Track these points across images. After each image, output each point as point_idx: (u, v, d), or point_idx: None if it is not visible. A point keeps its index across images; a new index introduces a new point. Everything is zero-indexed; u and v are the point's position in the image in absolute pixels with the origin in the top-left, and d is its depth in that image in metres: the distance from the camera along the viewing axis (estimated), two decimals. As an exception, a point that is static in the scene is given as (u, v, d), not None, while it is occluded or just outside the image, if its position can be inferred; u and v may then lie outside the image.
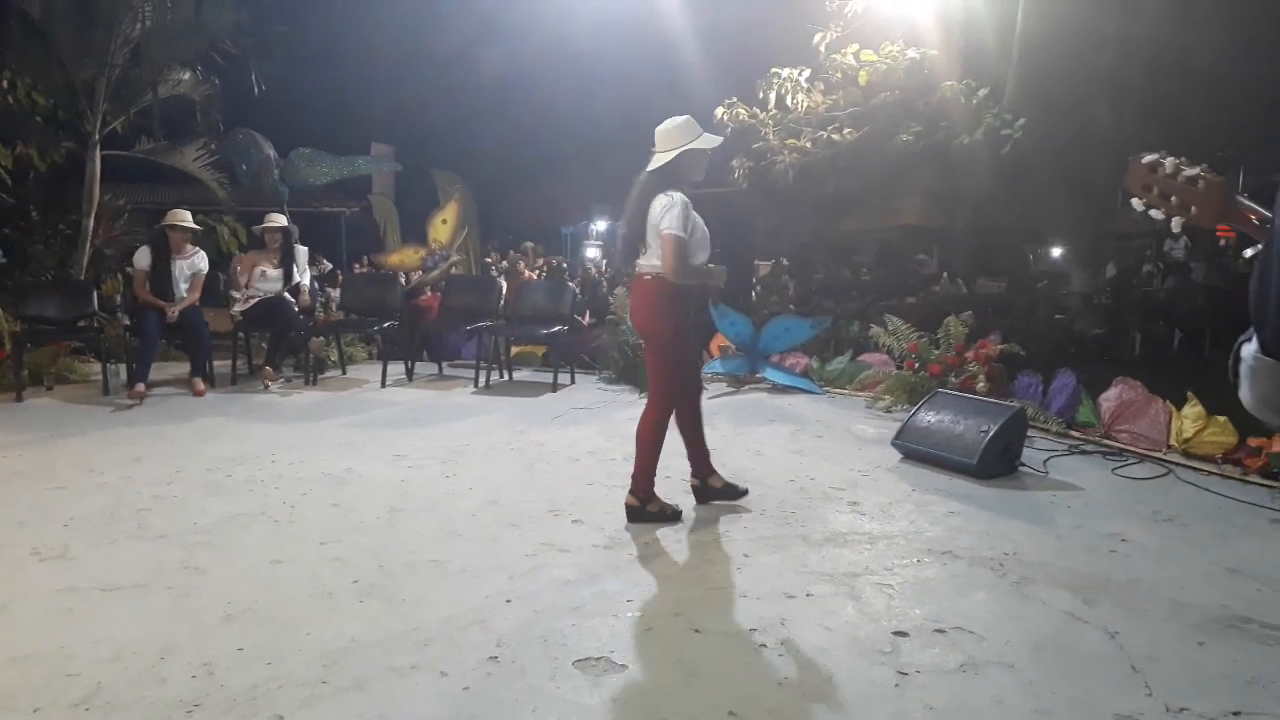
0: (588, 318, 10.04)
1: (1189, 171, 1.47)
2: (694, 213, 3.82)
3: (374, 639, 2.89)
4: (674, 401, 4.01)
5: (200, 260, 7.25)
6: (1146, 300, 12.51)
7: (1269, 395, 1.10)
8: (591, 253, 20.01)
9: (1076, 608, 3.15)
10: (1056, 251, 14.51)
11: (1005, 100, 10.59)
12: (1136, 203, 1.56)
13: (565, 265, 15.12)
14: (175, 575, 3.42)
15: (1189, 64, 10.73)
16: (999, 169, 10.43)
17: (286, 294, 7.34)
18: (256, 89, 8.58)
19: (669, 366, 3.95)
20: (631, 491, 4.04)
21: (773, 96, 11.21)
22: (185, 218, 7.16)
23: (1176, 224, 1.51)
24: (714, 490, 4.28)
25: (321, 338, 7.37)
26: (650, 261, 3.84)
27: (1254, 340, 1.10)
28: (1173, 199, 1.50)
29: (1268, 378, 1.08)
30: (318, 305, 8.03)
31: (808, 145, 10.82)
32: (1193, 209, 1.47)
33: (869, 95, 10.85)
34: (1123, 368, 6.95)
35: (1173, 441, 4.96)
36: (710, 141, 3.87)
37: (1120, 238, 14.59)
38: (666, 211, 3.71)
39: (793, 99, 11.07)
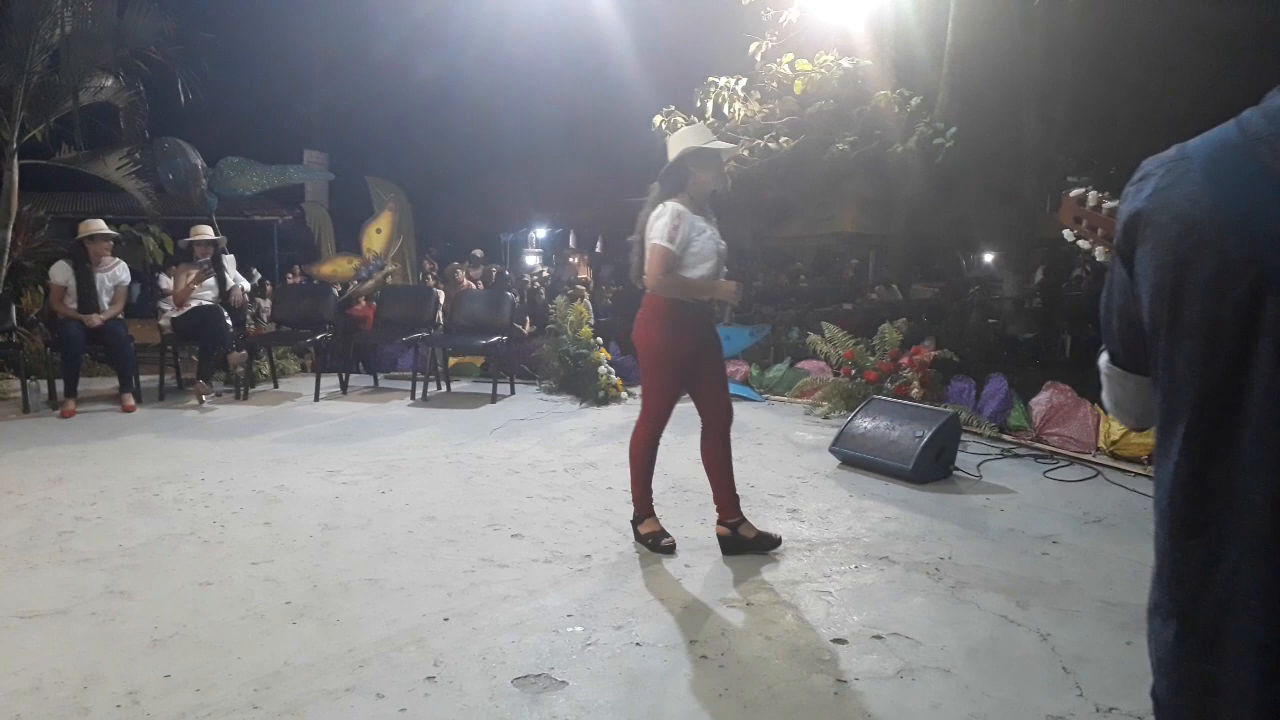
0: (528, 326, 9.99)
1: (1110, 204, 1.61)
2: (697, 224, 3.59)
3: (307, 661, 2.82)
4: (659, 420, 3.80)
5: (121, 271, 7.03)
6: (1076, 304, 12.84)
7: (1120, 400, 1.21)
8: (531, 260, 19.93)
9: (1010, 610, 3.21)
10: (989, 257, 14.84)
11: (937, 109, 10.81)
12: (1068, 234, 1.70)
13: (507, 274, 15.03)
14: (99, 600, 3.31)
15: (1113, 74, 11.08)
16: (932, 177, 10.64)
17: (217, 304, 7.16)
18: (183, 97, 8.35)
19: (652, 384, 3.78)
20: (719, 519, 3.85)
21: (710, 105, 11.26)
22: (100, 227, 6.94)
23: (1100, 253, 1.63)
24: (746, 541, 3.78)
25: (241, 352, 7.15)
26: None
27: (1105, 350, 1.21)
28: (1099, 230, 1.62)
29: (1118, 385, 1.19)
30: (248, 317, 7.84)
31: (745, 153, 10.90)
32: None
33: (804, 104, 10.99)
34: (1054, 371, 7.13)
35: (1101, 444, 5.09)
36: (714, 144, 3.67)
37: (1049, 243, 14.99)
38: (655, 221, 3.55)
39: (730, 108, 11.15)
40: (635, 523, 3.90)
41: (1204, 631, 0.96)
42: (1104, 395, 1.26)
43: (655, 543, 3.80)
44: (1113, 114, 12.04)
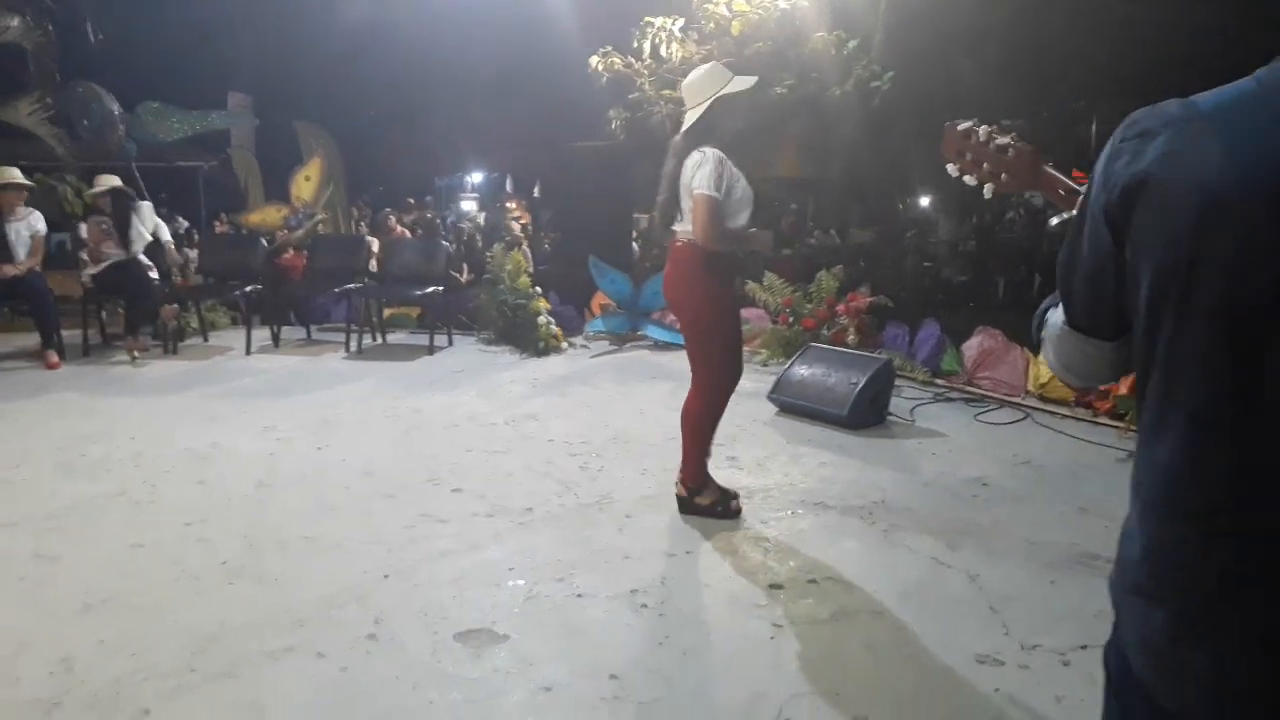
0: (465, 274, 9.85)
1: (1000, 140, 1.52)
2: (733, 169, 3.37)
3: (245, 622, 2.80)
4: (726, 385, 3.60)
5: (37, 221, 6.74)
6: (1008, 247, 13.09)
7: (1073, 363, 1.15)
8: (467, 206, 19.57)
9: (941, 553, 3.31)
10: (925, 201, 15.02)
11: (874, 52, 10.81)
12: (951, 168, 1.59)
13: (441, 219, 14.76)
14: (26, 565, 3.24)
15: (1045, 17, 11.16)
16: (869, 120, 10.68)
17: (143, 257, 6.90)
18: (94, 37, 7.94)
19: (713, 346, 3.53)
20: (680, 480, 3.71)
21: (647, 46, 11.10)
22: (13, 175, 6.63)
23: (988, 190, 1.56)
24: (699, 507, 3.68)
25: (175, 305, 6.93)
26: (685, 227, 3.42)
27: (1060, 309, 1.14)
28: (985, 166, 1.54)
29: (1075, 349, 1.13)
30: (175, 269, 7.59)
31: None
32: (1003, 176, 1.52)
33: (742, 46, 10.88)
34: (987, 314, 7.27)
35: (1030, 387, 5.23)
36: (744, 83, 3.41)
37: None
38: (698, 169, 3.30)
39: (667, 49, 11.00)
40: (690, 496, 3.66)
41: (1199, 620, 0.92)
42: (1048, 353, 1.20)
43: (726, 508, 3.63)
44: (1044, 57, 12.16)
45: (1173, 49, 11.18)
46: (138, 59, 9.22)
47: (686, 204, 3.38)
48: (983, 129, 1.55)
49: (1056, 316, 1.15)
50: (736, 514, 3.65)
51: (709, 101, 3.36)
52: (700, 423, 3.62)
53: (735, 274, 3.56)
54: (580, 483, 4.09)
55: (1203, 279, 0.87)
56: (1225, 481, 0.89)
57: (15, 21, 7.91)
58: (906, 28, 11.00)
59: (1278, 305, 0.84)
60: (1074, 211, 1.34)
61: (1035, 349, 4.87)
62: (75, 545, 3.43)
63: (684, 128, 3.49)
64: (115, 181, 7.03)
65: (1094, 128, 16.32)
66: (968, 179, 1.58)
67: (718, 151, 3.33)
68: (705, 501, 3.65)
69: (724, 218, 3.34)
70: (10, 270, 6.45)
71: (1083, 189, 1.37)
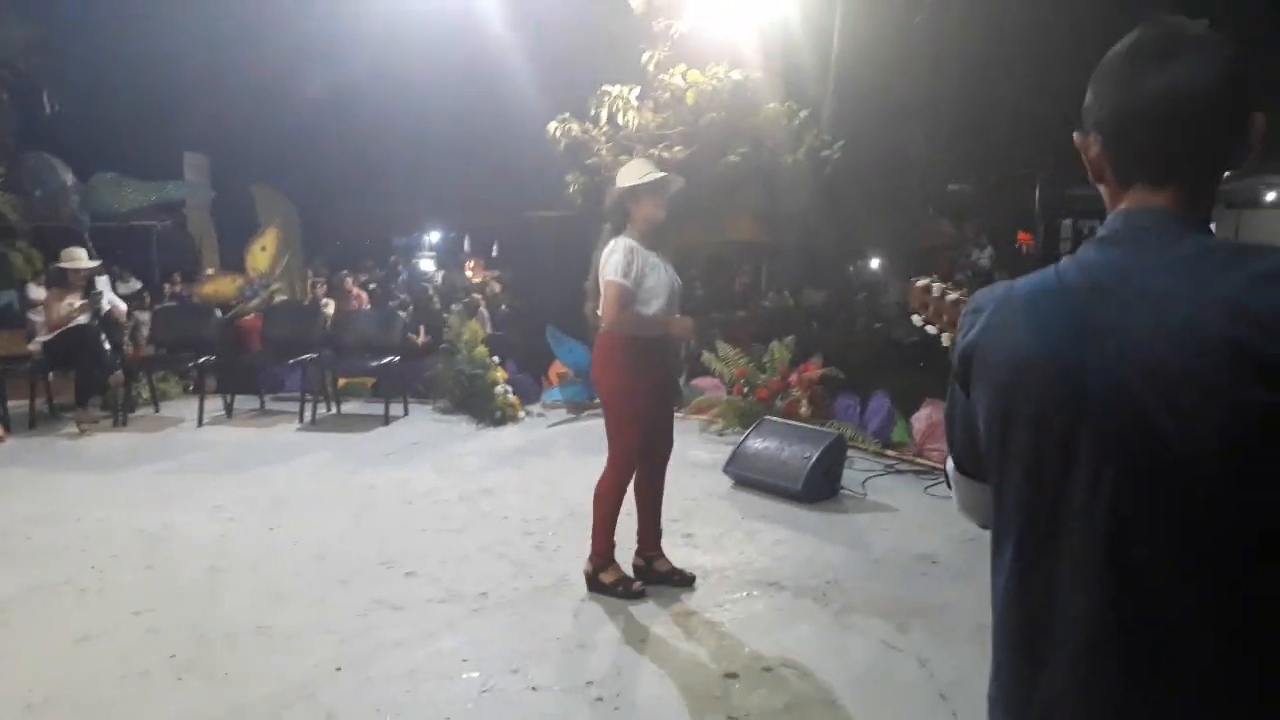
0: (422, 335, 9.81)
1: (953, 296, 1.72)
2: (650, 259, 3.56)
3: (193, 723, 2.76)
4: (631, 463, 3.69)
5: None
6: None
7: (966, 501, 1.29)
8: (426, 265, 19.57)
9: (892, 635, 3.36)
10: (875, 263, 15.35)
11: (825, 122, 11.13)
12: (916, 319, 1.80)
13: (399, 278, 14.74)
14: (-34, 663, 3.16)
15: (991, 90, 11.60)
16: (821, 187, 10.96)
17: (93, 324, 6.82)
18: (49, 108, 7.92)
19: (620, 425, 3.65)
20: (589, 557, 3.77)
21: (604, 114, 11.31)
22: None
23: (946, 339, 1.74)
24: (659, 574, 3.83)
25: (120, 374, 6.83)
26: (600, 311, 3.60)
27: (951, 457, 1.29)
28: (944, 317, 1.73)
29: (965, 489, 1.27)
30: (126, 338, 7.49)
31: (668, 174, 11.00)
32: (958, 327, 1.70)
33: (697, 115, 11.13)
34: (937, 374, 7.39)
35: (977, 459, 5.34)
36: (652, 177, 3.57)
37: (931, 250, 15.58)
38: (609, 257, 3.50)
39: (624, 116, 11.21)
40: (596, 572, 3.73)
41: None
42: (953, 494, 1.33)
43: (626, 590, 3.69)
44: (990, 125, 12.61)
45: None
46: (94, 129, 9.19)
47: (603, 290, 3.54)
48: (937, 285, 1.75)
49: (950, 464, 1.29)
50: (639, 595, 3.69)
51: (619, 194, 3.59)
52: (604, 499, 3.71)
53: (656, 359, 3.63)
54: (536, 563, 4.09)
55: (1014, 429, 1.05)
56: (1045, 609, 1.03)
57: (-31, 91, 7.88)
58: (855, 98, 11.38)
59: (1066, 452, 1.00)
60: None
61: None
62: (19, 639, 3.36)
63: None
64: (84, 258, 6.95)
65: (1037, 193, 16.92)
66: (930, 329, 1.76)
67: (629, 241, 3.52)
68: (608, 580, 3.72)
69: (632, 304, 3.51)
70: None
71: None
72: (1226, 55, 1.02)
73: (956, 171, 14.38)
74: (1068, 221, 17.54)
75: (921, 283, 1.81)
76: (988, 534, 1.28)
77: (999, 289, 1.13)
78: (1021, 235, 17.58)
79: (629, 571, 3.80)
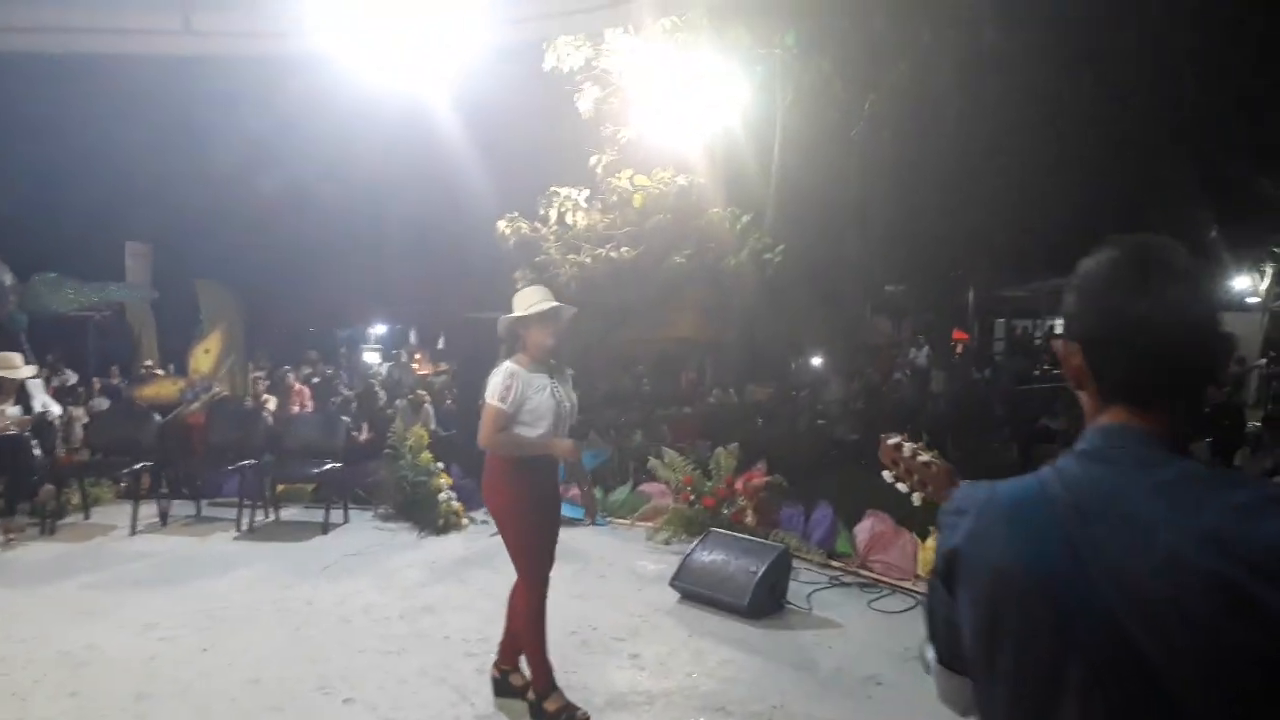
0: (366, 432, 9.68)
1: (924, 457, 1.81)
2: (534, 382, 3.65)
3: None
4: (542, 578, 3.72)
5: None
6: (896, 406, 13.65)
7: (947, 693, 1.28)
8: (370, 357, 19.39)
9: (838, 766, 3.34)
10: (816, 360, 15.64)
11: (766, 224, 11.48)
12: (886, 475, 1.87)
13: (340, 375, 14.59)
14: None
15: (919, 193, 12.07)
16: (763, 286, 11.23)
17: (24, 432, 6.63)
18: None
19: (519, 542, 3.71)
20: (532, 686, 3.75)
21: (554, 213, 11.54)
22: None
23: (916, 498, 1.81)
24: (513, 689, 3.87)
25: (50, 487, 6.63)
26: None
27: (931, 646, 1.28)
28: (914, 475, 1.81)
29: (946, 683, 1.26)
30: (58, 439, 7.28)
31: (587, 261, 11.20)
32: (929, 486, 1.79)
33: (644, 217, 11.40)
34: (876, 474, 7.48)
35: (920, 571, 5.41)
36: (542, 307, 3.66)
37: (870, 348, 15.95)
38: (490, 380, 3.66)
39: (572, 217, 11.44)
40: (539, 700, 3.69)
41: None
42: (935, 684, 1.31)
43: (570, 717, 3.65)
44: (921, 229, 13.08)
45: (1041, 218, 12.21)
46: (35, 229, 9.10)
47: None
48: (908, 445, 1.83)
49: (930, 653, 1.28)
50: None
51: (504, 323, 3.73)
52: (530, 625, 3.72)
53: (539, 478, 3.73)
54: (478, 690, 4.00)
55: (1000, 647, 1.05)
56: None
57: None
58: (795, 203, 11.76)
59: (1057, 679, 0.99)
60: None
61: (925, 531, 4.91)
62: (-72, 781, 3.19)
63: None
64: (19, 363, 6.77)
65: (971, 293, 17.49)
66: (900, 486, 1.86)
67: (512, 366, 3.64)
68: (552, 708, 3.67)
69: (510, 426, 3.61)
70: None
71: None
72: (1204, 283, 1.05)
73: (892, 273, 14.82)
74: (1001, 321, 18.14)
75: (892, 441, 1.89)
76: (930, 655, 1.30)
77: (981, 492, 1.13)
78: (957, 333, 18.10)
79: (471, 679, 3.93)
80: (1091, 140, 11.44)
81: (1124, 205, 11.99)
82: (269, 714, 3.75)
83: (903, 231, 12.84)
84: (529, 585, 3.72)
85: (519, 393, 3.62)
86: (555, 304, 3.73)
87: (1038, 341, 17.52)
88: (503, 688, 3.89)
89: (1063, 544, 1.01)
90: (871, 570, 5.60)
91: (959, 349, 17.77)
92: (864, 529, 5.78)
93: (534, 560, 3.72)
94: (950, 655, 1.21)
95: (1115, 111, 11.33)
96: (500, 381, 3.60)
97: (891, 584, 5.41)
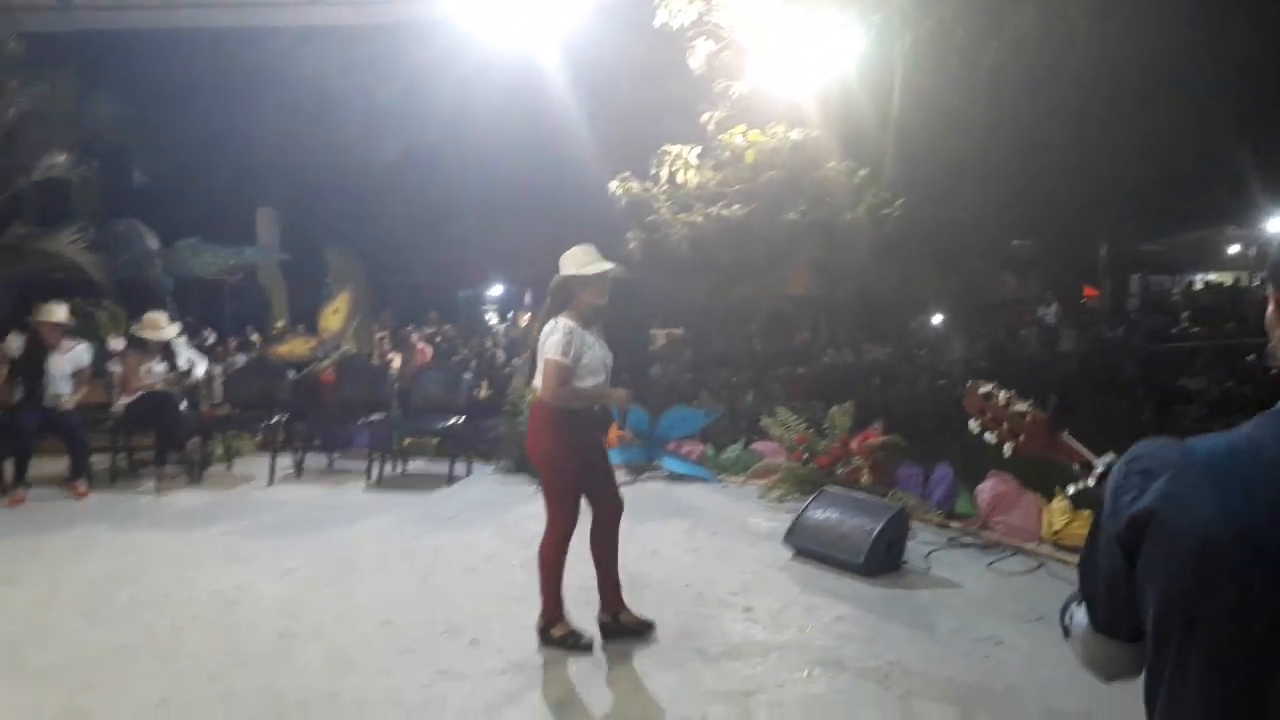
0: (485, 389, 9.96)
1: (1018, 406, 1.66)
2: (586, 339, 3.89)
3: (267, 795, 2.84)
4: (568, 524, 3.98)
5: (82, 355, 7.00)
6: (1022, 364, 13.20)
7: (1096, 661, 1.22)
8: (489, 318, 19.89)
9: (955, 723, 3.32)
10: (937, 318, 15.22)
11: (884, 180, 11.16)
12: (973, 424, 1.73)
13: (464, 338, 15.02)
14: (57, 722, 3.29)
15: (1051, 146, 11.52)
16: (880, 244, 10.95)
17: (171, 389, 7.12)
18: (139, 179, 8.36)
19: (555, 489, 3.99)
20: (540, 613, 4.04)
21: (665, 172, 11.51)
22: (56, 313, 6.89)
23: (1008, 449, 1.69)
24: (625, 628, 4.12)
25: (196, 439, 7.13)
26: (537, 384, 3.92)
27: (1083, 609, 1.22)
28: (1004, 425, 1.67)
29: (1098, 649, 1.20)
30: (201, 396, 7.78)
31: (699, 219, 11.15)
32: (1021, 437, 1.66)
33: (756, 173, 11.25)
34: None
35: (1044, 533, 5.26)
36: (597, 268, 3.89)
37: (994, 305, 15.40)
38: (548, 337, 3.83)
39: (684, 175, 11.39)
40: (546, 628, 4.00)
41: None
42: (1075, 648, 1.26)
43: (575, 643, 3.96)
44: (1051, 181, 12.51)
45: (1179, 166, 11.52)
46: (176, 196, 9.69)
47: (542, 367, 3.84)
48: (1001, 393, 1.70)
49: (1081, 617, 1.23)
50: (587, 648, 3.94)
51: (562, 278, 3.90)
52: (547, 560, 4.00)
53: (586, 428, 4.00)
54: (595, 634, 4.12)
55: (1204, 620, 0.97)
56: None
57: (62, 158, 8.35)
58: (916, 156, 11.39)
59: (1272, 657, 0.92)
60: (1090, 481, 1.47)
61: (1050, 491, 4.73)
62: (103, 700, 3.49)
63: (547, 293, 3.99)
64: (165, 323, 7.27)
65: (1103, 249, 16.64)
66: (988, 437, 1.70)
67: (569, 322, 3.84)
68: (557, 634, 3.98)
69: (570, 381, 3.81)
70: (60, 405, 6.68)
71: (1099, 460, 1.49)
72: None
73: (1018, 227, 14.24)
74: (1136, 276, 17.22)
75: (983, 390, 1.75)
76: (1053, 616, 1.24)
77: (1171, 451, 1.06)
78: (1087, 290, 17.29)
79: (595, 626, 4.09)
80: (1237, 89, 10.67)
81: (1274, 157, 11.20)
82: (401, 655, 3.96)
83: (1030, 184, 12.31)
84: (555, 529, 3.96)
85: (578, 348, 3.84)
86: (610, 265, 3.95)
87: (1175, 298, 16.57)
88: (611, 630, 4.10)
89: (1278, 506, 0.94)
90: (994, 531, 5.47)
91: (1089, 306, 16.98)
92: (986, 489, 5.63)
93: (566, 507, 3.97)
94: (1110, 624, 1.16)
95: (1267, 55, 10.53)
96: (561, 338, 3.80)
97: (1014, 546, 5.28)
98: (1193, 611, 0.98)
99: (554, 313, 3.92)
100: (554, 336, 3.81)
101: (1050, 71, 10.73)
